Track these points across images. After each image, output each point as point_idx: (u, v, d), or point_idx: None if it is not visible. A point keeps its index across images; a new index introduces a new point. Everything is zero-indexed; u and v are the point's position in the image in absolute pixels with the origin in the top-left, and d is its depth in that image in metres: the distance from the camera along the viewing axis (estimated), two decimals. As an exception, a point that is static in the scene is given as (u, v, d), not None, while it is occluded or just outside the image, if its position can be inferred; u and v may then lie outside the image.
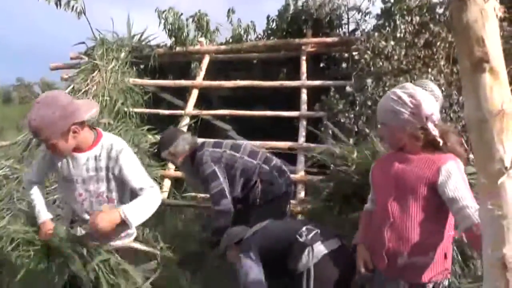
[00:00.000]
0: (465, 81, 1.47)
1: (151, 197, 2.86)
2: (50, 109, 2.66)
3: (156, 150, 4.58)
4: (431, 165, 2.47)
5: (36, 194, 3.18)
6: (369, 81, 5.82)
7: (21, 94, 42.91)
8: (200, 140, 4.57)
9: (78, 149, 2.90)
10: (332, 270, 2.89)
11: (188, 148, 4.22)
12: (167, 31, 7.66)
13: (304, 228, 3.03)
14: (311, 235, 2.98)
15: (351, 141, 4.56)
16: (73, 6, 7.52)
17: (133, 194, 2.94)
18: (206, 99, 7.72)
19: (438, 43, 5.85)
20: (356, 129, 5.54)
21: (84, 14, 7.96)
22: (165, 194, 5.94)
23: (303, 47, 7.43)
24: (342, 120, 5.72)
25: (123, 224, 2.69)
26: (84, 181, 2.97)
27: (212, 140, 4.44)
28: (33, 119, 2.65)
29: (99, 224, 2.57)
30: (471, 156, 4.51)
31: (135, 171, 2.95)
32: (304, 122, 6.34)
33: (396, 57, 5.89)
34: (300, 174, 5.79)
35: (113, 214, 2.65)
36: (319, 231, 3.02)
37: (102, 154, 2.95)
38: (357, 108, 5.76)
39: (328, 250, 2.94)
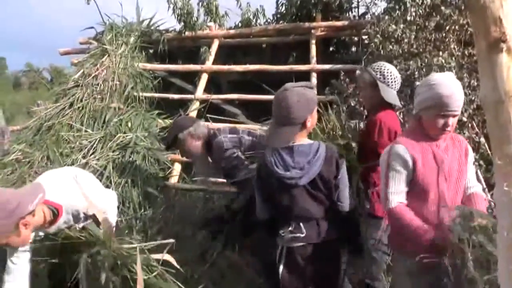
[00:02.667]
0: (481, 61, 1.46)
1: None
2: None
3: (167, 134, 4.50)
4: (462, 145, 2.76)
5: None
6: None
7: (30, 79, 43.19)
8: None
9: (42, 227, 2.96)
10: (305, 262, 2.85)
11: (206, 133, 4.21)
12: (176, 16, 7.64)
13: (292, 226, 2.85)
14: (292, 235, 2.85)
15: (362, 124, 4.55)
16: (82, -9, 7.56)
17: None
18: (215, 83, 7.72)
19: (449, 26, 5.79)
20: (367, 113, 5.52)
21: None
22: (175, 178, 5.97)
23: (312, 31, 7.37)
24: (352, 104, 5.71)
25: None
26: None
27: (226, 126, 4.41)
28: None
29: None
30: (482, 139, 4.53)
31: (102, 205, 3.26)
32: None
33: (406, 40, 5.84)
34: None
35: None
36: (302, 235, 2.84)
37: (69, 218, 3.08)
38: (367, 91, 5.73)
39: (304, 242, 2.85)
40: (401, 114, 5.48)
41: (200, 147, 4.20)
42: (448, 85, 2.55)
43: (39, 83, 37.60)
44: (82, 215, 3.15)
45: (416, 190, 2.70)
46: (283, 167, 2.77)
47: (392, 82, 3.61)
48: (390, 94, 3.61)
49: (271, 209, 2.92)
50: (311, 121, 2.85)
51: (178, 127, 4.21)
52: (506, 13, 1.36)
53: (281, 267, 2.87)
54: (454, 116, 2.59)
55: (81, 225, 3.19)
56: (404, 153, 2.68)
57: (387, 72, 3.62)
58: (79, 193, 3.16)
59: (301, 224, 2.81)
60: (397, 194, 2.71)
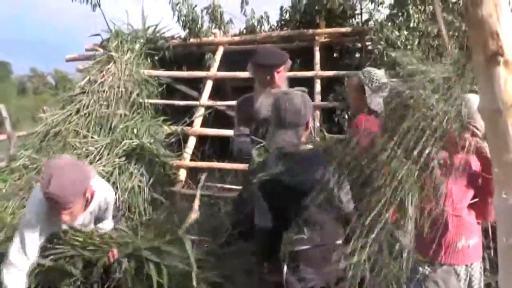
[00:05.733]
0: (480, 73, 1.52)
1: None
2: (74, 172, 2.69)
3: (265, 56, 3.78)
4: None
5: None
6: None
7: (35, 84, 43.30)
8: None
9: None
10: (309, 265, 2.85)
11: None
12: (181, 23, 7.70)
13: (296, 230, 2.85)
14: (296, 237, 2.85)
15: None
16: None
17: None
18: (220, 89, 7.76)
19: (451, 32, 5.84)
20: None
21: (99, 7, 8.05)
22: (181, 184, 6.01)
23: (316, 38, 7.45)
24: (355, 110, 5.76)
25: None
26: (73, 228, 3.11)
27: None
28: (63, 188, 2.61)
29: None
30: (485, 144, 4.57)
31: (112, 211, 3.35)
32: (318, 112, 6.35)
33: (409, 47, 5.90)
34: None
35: None
36: (305, 237, 2.84)
37: (95, 208, 3.14)
38: (371, 98, 5.78)
39: (309, 245, 2.85)
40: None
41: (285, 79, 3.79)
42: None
43: (43, 88, 37.61)
44: (108, 207, 3.24)
45: None
46: (290, 175, 2.78)
47: (379, 89, 3.61)
48: (374, 101, 3.58)
49: (276, 217, 2.90)
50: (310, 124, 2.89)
51: (281, 54, 3.77)
52: (503, 28, 1.42)
53: (284, 271, 2.88)
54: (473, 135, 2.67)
55: (91, 226, 3.24)
56: None
57: (376, 78, 3.63)
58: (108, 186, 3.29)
59: (304, 228, 2.84)
60: None
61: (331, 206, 2.84)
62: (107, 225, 3.41)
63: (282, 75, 3.66)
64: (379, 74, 3.67)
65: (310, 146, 2.91)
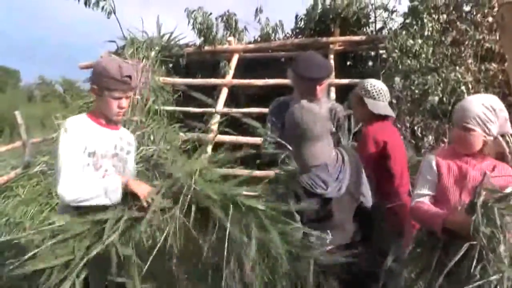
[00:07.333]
0: (514, 79, 1.57)
1: None
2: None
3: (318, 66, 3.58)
4: (504, 172, 2.65)
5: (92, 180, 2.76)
6: (397, 79, 5.87)
7: (42, 92, 43.55)
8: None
9: (108, 123, 2.98)
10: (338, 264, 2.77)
11: None
12: (196, 30, 7.80)
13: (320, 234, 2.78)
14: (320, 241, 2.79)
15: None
16: (102, 7, 7.68)
17: None
18: (234, 97, 7.82)
19: (466, 41, 5.88)
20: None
21: (114, 14, 8.11)
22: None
23: (330, 46, 7.52)
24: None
25: None
26: (112, 157, 3.01)
27: None
28: (132, 68, 2.93)
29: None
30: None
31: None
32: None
33: (423, 55, 5.94)
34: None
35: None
36: (330, 238, 2.82)
37: (124, 138, 3.12)
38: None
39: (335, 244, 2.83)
40: (419, 128, 5.57)
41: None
42: (468, 99, 2.66)
43: (52, 96, 37.88)
44: (131, 151, 3.17)
45: (440, 200, 2.75)
46: (323, 186, 2.76)
47: (378, 94, 3.63)
48: (377, 106, 3.62)
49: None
50: None
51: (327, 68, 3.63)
52: (538, 35, 1.47)
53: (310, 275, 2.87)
54: (468, 130, 2.61)
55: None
56: (431, 160, 2.80)
57: (371, 87, 3.64)
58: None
59: (328, 231, 2.85)
60: (419, 196, 2.80)
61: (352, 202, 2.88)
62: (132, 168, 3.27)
63: (323, 87, 3.53)
64: (373, 82, 3.70)
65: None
